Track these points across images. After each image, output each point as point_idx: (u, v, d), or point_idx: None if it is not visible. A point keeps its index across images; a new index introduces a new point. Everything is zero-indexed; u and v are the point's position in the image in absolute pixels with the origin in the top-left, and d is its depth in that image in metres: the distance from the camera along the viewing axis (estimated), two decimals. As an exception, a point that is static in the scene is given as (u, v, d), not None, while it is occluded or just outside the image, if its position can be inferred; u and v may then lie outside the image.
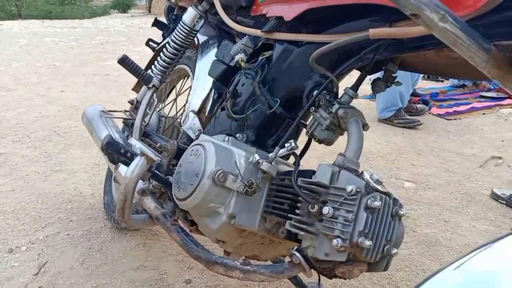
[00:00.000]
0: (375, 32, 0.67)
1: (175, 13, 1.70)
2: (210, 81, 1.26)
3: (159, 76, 1.42)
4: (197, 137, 1.17)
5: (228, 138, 0.92)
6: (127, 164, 0.87)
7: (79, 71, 4.36)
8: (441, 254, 1.53)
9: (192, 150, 0.87)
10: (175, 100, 1.64)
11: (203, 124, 1.21)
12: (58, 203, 1.69)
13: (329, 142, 0.86)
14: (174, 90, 1.74)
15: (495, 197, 1.98)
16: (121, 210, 0.84)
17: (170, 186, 0.93)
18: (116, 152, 0.85)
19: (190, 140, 1.25)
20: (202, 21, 1.35)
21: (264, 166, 0.81)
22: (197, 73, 1.33)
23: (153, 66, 1.43)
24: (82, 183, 1.89)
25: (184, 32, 1.35)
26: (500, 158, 2.53)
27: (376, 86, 0.92)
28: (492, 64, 0.59)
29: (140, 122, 1.07)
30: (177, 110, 1.62)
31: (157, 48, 1.73)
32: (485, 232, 1.69)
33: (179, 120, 1.55)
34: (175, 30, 1.38)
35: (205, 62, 1.33)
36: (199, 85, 1.29)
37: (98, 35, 7.39)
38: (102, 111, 1.47)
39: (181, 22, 1.36)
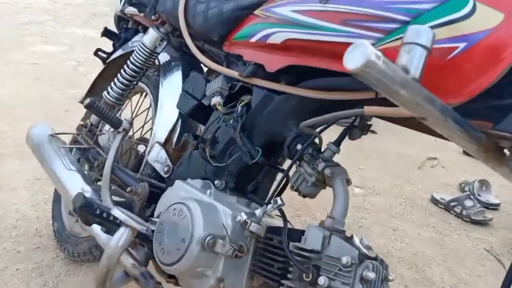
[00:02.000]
0: (370, 110, 0.67)
1: (128, 25, 1.60)
2: (176, 111, 1.21)
3: (118, 98, 1.34)
4: (166, 173, 1.13)
5: (210, 191, 0.89)
6: (104, 226, 0.81)
7: (3, 59, 3.98)
8: (393, 266, 1.63)
9: (175, 209, 0.83)
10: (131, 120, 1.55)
11: (170, 157, 1.17)
12: (0, 230, 1.56)
13: (312, 196, 0.87)
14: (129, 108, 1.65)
15: (435, 201, 2.13)
16: (102, 282, 0.79)
17: (148, 241, 0.89)
18: (91, 215, 0.79)
19: (155, 173, 1.20)
20: (164, 44, 1.28)
21: (253, 227, 0.80)
22: (161, 100, 1.26)
23: (109, 88, 1.35)
24: (24, 203, 1.75)
25: (144, 55, 1.28)
26: (435, 158, 2.72)
27: (352, 135, 0.94)
28: (482, 150, 0.62)
29: (110, 169, 1.00)
30: (134, 132, 1.54)
31: (108, 61, 1.62)
32: (430, 240, 1.82)
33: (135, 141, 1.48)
34: (135, 51, 1.30)
35: (169, 89, 1.27)
36: (164, 114, 1.23)
37: (20, 13, 6.76)
38: (51, 135, 1.36)
39: (141, 43, 1.28)
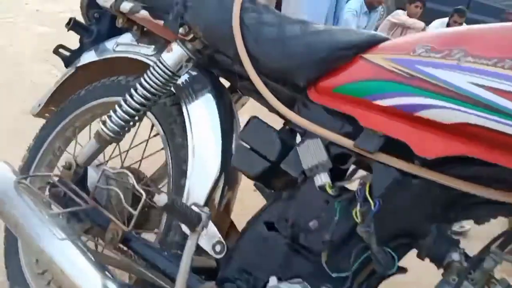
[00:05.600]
0: None
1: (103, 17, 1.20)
2: (216, 161, 0.93)
3: (117, 132, 0.99)
4: (218, 253, 0.85)
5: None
6: None
7: None
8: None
9: None
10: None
11: (217, 226, 0.88)
12: None
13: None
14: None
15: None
16: None
17: None
18: None
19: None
20: (191, 65, 0.96)
21: None
22: (193, 145, 0.94)
23: (107, 117, 0.99)
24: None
25: (163, 77, 0.95)
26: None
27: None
28: None
29: (184, 282, 0.69)
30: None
31: (78, 65, 1.21)
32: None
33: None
34: (149, 71, 0.96)
35: (204, 129, 0.95)
36: (200, 165, 0.92)
37: None
38: (19, 180, 0.97)
39: (160, 62, 0.94)
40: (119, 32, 1.21)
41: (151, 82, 0.95)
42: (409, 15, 5.03)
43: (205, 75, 1.01)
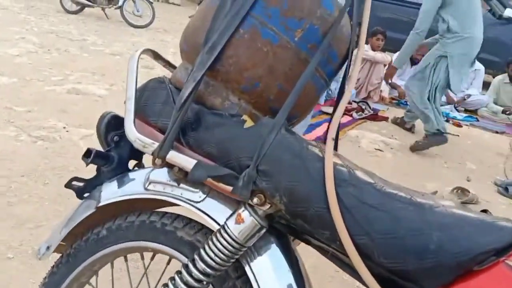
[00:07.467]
0: None
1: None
2: None
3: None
4: None
5: None
6: None
7: None
8: None
9: None
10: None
11: None
12: None
13: None
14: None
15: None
16: None
17: None
18: None
19: None
20: (262, 233, 0.81)
21: None
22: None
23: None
24: None
25: (230, 250, 0.80)
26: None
27: None
28: None
29: None
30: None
31: (100, 205, 1.02)
32: None
33: None
34: (211, 243, 0.80)
35: None
36: None
37: None
38: None
39: (225, 232, 0.79)
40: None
41: (214, 257, 0.79)
42: (372, 48, 5.09)
43: (273, 236, 0.86)
